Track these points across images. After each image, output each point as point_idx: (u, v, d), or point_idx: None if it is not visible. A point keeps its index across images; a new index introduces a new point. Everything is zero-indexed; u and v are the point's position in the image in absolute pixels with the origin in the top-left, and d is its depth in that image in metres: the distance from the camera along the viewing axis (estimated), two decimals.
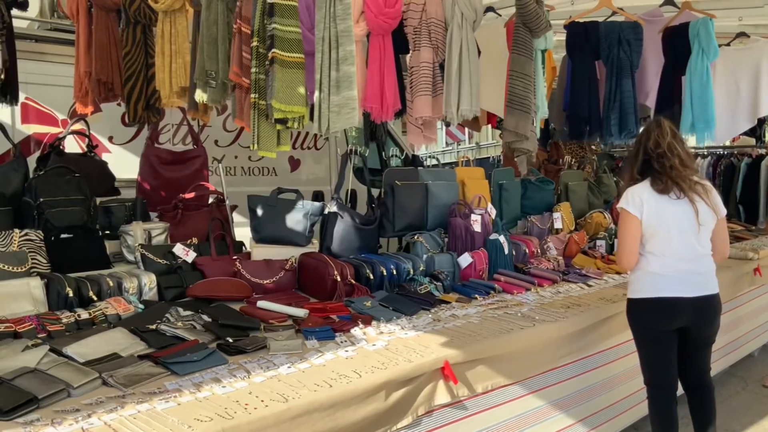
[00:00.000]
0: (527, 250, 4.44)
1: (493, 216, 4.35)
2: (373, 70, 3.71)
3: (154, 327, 2.77)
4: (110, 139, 5.35)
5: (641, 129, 3.30)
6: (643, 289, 3.21)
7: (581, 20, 4.60)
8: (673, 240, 3.12)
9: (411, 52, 3.79)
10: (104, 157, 5.40)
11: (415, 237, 3.92)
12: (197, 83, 3.02)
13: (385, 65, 3.73)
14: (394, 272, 3.64)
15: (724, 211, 3.24)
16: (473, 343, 2.89)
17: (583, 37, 4.51)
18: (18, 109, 4.95)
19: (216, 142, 6.07)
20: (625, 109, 4.43)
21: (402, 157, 7.15)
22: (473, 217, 4.12)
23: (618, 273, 4.46)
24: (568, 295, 3.82)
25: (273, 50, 2.65)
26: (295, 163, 6.64)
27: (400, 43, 3.94)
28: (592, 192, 5.72)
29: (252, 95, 2.75)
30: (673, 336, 3.19)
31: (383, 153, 6.38)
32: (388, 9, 3.69)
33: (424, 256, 3.87)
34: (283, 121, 2.79)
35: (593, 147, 7.76)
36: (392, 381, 2.49)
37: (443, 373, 2.71)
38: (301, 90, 2.73)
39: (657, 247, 3.15)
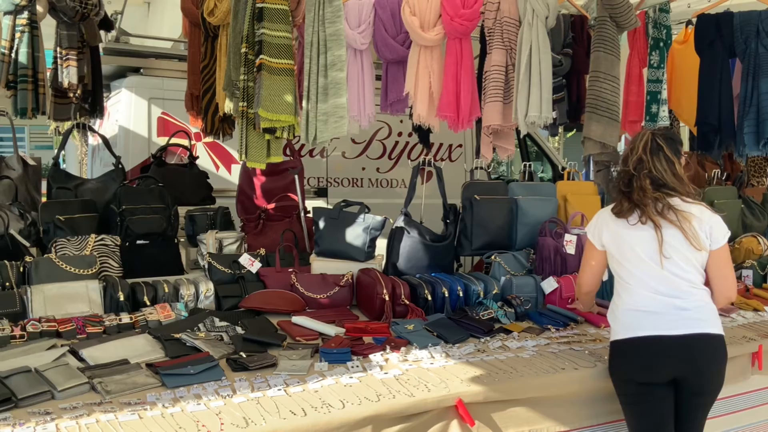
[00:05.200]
0: None
1: None
2: (448, 76, 3.48)
3: (178, 336, 2.79)
4: None
5: None
6: (617, 329, 2.64)
7: (713, 12, 3.92)
8: (641, 268, 2.58)
9: (486, 55, 3.49)
10: (233, 168, 5.71)
11: (493, 257, 3.58)
12: (226, 93, 3.02)
13: (461, 71, 3.48)
14: (461, 294, 3.35)
15: (721, 241, 2.58)
16: (506, 381, 2.55)
17: (715, 32, 3.82)
18: (155, 122, 5.39)
19: (343, 153, 6.15)
20: (764, 115, 3.64)
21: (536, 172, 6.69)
22: (567, 237, 3.68)
23: (756, 310, 3.73)
24: None
25: (261, 56, 2.55)
26: (428, 175, 6.47)
27: None
28: (752, 212, 4.87)
29: (241, 103, 2.67)
30: (663, 393, 2.55)
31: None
32: (466, 10, 3.44)
33: (502, 279, 3.53)
34: (271, 131, 2.68)
35: None
36: (382, 416, 2.26)
37: (458, 412, 2.42)
38: (289, 98, 2.59)
39: (626, 278, 2.63)
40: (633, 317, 2.59)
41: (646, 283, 2.57)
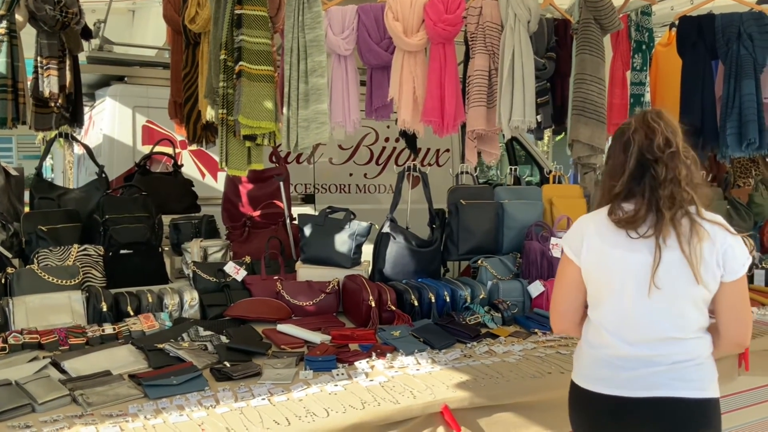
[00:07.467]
0: None
1: None
2: (432, 81, 3.48)
3: (161, 346, 2.76)
4: None
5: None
6: (577, 369, 2.16)
7: (695, 14, 3.95)
8: (620, 297, 2.00)
9: (469, 59, 3.49)
10: (219, 176, 5.68)
11: (479, 261, 3.58)
12: (207, 101, 3.00)
13: (445, 76, 3.48)
14: (447, 299, 3.34)
15: (739, 271, 1.94)
16: (492, 386, 2.54)
17: (697, 34, 3.85)
18: (140, 131, 5.36)
19: (330, 159, 6.13)
20: (746, 116, 3.68)
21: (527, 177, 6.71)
22: (553, 240, 3.67)
23: None
24: None
25: (240, 63, 2.54)
26: (415, 180, 6.46)
27: None
28: (737, 213, 4.90)
29: (220, 110, 2.66)
30: None
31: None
32: (448, 15, 3.44)
33: (489, 283, 3.52)
34: (251, 138, 2.66)
35: None
36: (367, 424, 2.24)
37: (444, 419, 2.40)
38: (269, 105, 2.58)
39: (595, 312, 2.09)
40: (591, 364, 2.09)
41: (617, 321, 2.02)
